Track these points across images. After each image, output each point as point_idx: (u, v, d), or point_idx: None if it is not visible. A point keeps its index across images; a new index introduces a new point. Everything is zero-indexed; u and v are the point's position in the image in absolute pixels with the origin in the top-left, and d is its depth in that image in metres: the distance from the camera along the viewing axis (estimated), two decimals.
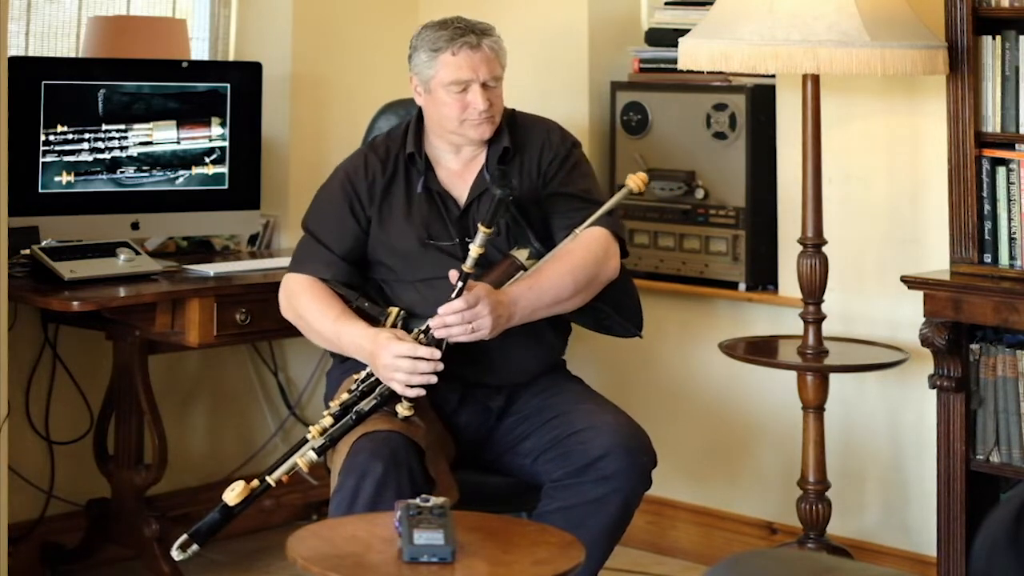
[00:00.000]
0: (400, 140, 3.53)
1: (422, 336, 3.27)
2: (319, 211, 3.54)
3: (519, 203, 3.41)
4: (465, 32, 3.40)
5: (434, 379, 3.23)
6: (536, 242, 3.40)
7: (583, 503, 3.28)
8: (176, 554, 3.22)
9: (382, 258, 3.48)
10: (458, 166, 3.50)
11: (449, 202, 3.47)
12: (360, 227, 3.48)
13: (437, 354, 3.23)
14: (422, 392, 3.24)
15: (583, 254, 3.39)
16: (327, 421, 3.25)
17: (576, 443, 3.30)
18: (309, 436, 3.26)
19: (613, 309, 3.50)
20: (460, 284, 3.23)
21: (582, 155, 3.58)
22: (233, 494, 3.20)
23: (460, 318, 3.22)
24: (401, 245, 3.45)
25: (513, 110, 3.59)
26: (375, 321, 3.36)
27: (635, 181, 3.47)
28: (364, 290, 3.47)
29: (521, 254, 3.39)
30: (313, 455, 3.23)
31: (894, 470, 4.05)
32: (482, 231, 3.22)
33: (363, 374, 3.31)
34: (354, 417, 3.24)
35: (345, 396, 3.29)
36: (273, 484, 3.24)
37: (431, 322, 3.25)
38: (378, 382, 3.27)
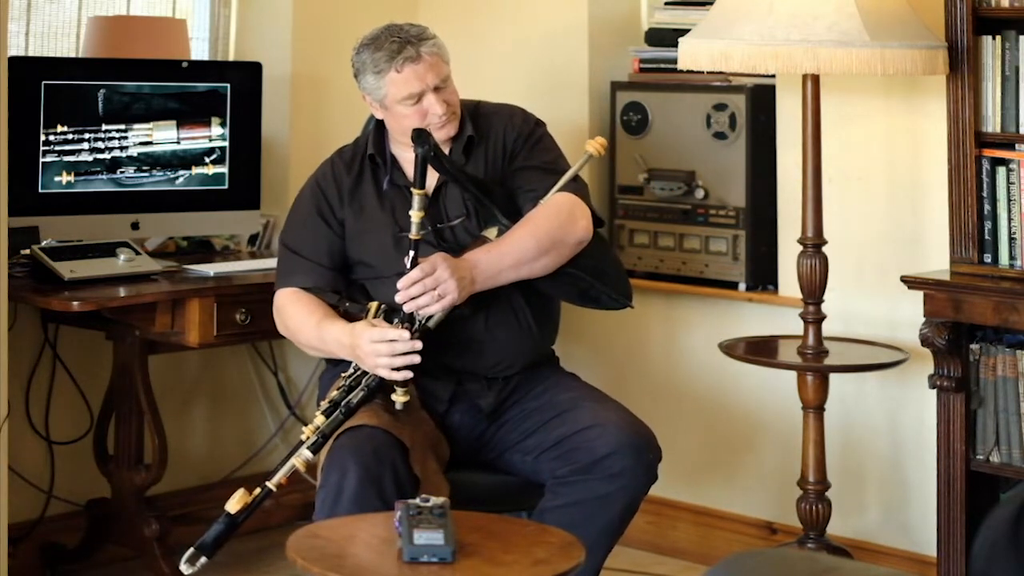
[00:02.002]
0: (364, 143, 3.58)
1: (397, 321, 3.28)
2: (293, 224, 3.59)
3: (483, 183, 3.43)
4: (402, 46, 3.42)
5: (417, 359, 3.24)
6: (504, 219, 3.42)
7: (589, 499, 3.28)
8: (185, 568, 3.20)
9: (361, 257, 3.51)
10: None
11: None
12: (334, 232, 3.52)
13: (406, 335, 3.23)
14: (409, 374, 3.25)
15: (544, 215, 3.41)
16: (319, 420, 3.27)
17: (582, 441, 3.31)
18: (303, 436, 3.27)
19: (594, 277, 3.49)
20: (412, 253, 3.27)
21: (546, 133, 3.61)
22: (234, 502, 3.21)
23: (422, 287, 3.24)
24: (377, 242, 3.48)
25: (479, 102, 3.63)
26: (358, 319, 3.38)
27: (594, 146, 3.50)
28: (348, 293, 3.49)
29: (491, 233, 3.43)
30: (308, 454, 3.25)
31: (894, 470, 4.05)
32: (415, 194, 3.27)
33: (350, 370, 3.33)
34: (343, 411, 3.25)
35: (334, 393, 3.30)
36: (274, 489, 3.25)
37: (396, 298, 3.28)
38: (363, 375, 3.29)
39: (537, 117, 3.63)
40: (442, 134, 3.47)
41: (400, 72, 3.42)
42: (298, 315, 3.45)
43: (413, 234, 3.28)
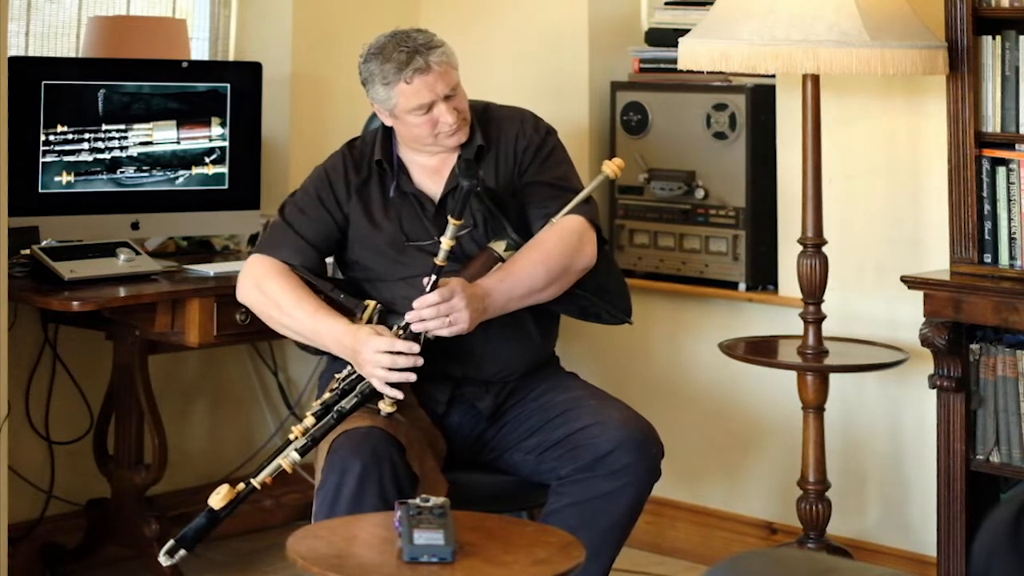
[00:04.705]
0: (371, 143, 3.55)
1: (400, 331, 3.27)
2: (295, 201, 3.55)
3: (495, 195, 3.41)
4: (411, 56, 3.37)
5: (413, 376, 3.23)
6: (514, 233, 3.41)
7: (595, 498, 3.28)
8: (164, 559, 3.23)
9: (360, 258, 3.49)
10: (432, 164, 3.50)
11: (424, 201, 3.48)
12: (334, 220, 3.49)
13: (416, 348, 3.23)
14: (399, 393, 3.25)
15: (556, 243, 3.39)
16: (309, 421, 3.26)
17: (584, 439, 3.31)
18: (292, 437, 3.26)
19: (596, 296, 3.49)
20: (434, 277, 3.24)
21: (558, 142, 3.57)
22: (218, 498, 3.21)
23: (436, 311, 3.22)
24: (380, 246, 3.46)
25: (487, 104, 3.60)
26: (351, 313, 3.36)
27: (611, 167, 3.47)
28: (338, 284, 3.48)
29: (498, 246, 3.40)
30: (296, 456, 3.24)
31: (894, 470, 4.06)
32: (452, 223, 3.22)
33: (344, 372, 3.32)
34: (335, 416, 3.25)
35: (327, 396, 3.29)
36: (258, 487, 3.24)
37: (408, 316, 3.26)
38: (359, 380, 3.28)
39: (548, 124, 3.59)
40: (452, 141, 3.44)
41: (410, 83, 3.37)
42: (290, 297, 3.40)
43: (439, 260, 3.23)
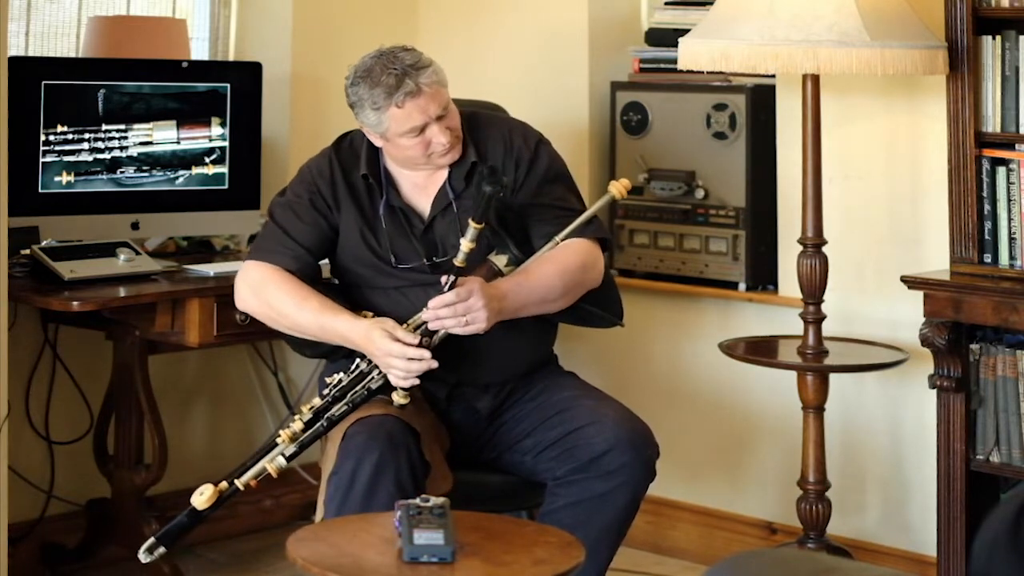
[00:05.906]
0: (359, 149, 3.50)
1: (414, 328, 3.26)
2: (286, 204, 3.49)
3: (497, 210, 3.38)
4: (400, 79, 3.30)
5: (435, 363, 3.22)
6: (515, 249, 3.39)
7: (590, 499, 3.28)
8: (143, 557, 3.24)
9: (350, 266, 3.47)
10: (420, 180, 3.47)
11: (413, 218, 3.45)
12: (328, 224, 3.45)
13: (427, 355, 3.21)
14: (416, 382, 3.25)
15: (571, 258, 3.37)
16: (297, 426, 3.25)
17: (580, 439, 3.31)
18: (279, 440, 3.25)
19: (595, 305, 3.48)
20: (451, 279, 3.22)
21: (551, 153, 3.52)
22: (202, 498, 3.21)
23: (453, 311, 3.21)
24: (369, 260, 3.43)
25: (473, 113, 3.54)
26: None
27: (618, 188, 3.40)
28: (332, 290, 3.47)
29: (499, 260, 3.38)
30: (283, 460, 3.24)
31: (894, 470, 4.06)
32: (472, 227, 3.20)
33: (335, 379, 3.30)
34: (325, 423, 3.24)
35: (316, 401, 3.28)
36: (242, 488, 3.24)
37: (424, 315, 3.25)
38: (349, 388, 3.27)
39: (538, 133, 3.54)
40: (445, 160, 3.41)
41: (401, 107, 3.31)
42: (290, 298, 3.36)
43: (458, 261, 3.22)
